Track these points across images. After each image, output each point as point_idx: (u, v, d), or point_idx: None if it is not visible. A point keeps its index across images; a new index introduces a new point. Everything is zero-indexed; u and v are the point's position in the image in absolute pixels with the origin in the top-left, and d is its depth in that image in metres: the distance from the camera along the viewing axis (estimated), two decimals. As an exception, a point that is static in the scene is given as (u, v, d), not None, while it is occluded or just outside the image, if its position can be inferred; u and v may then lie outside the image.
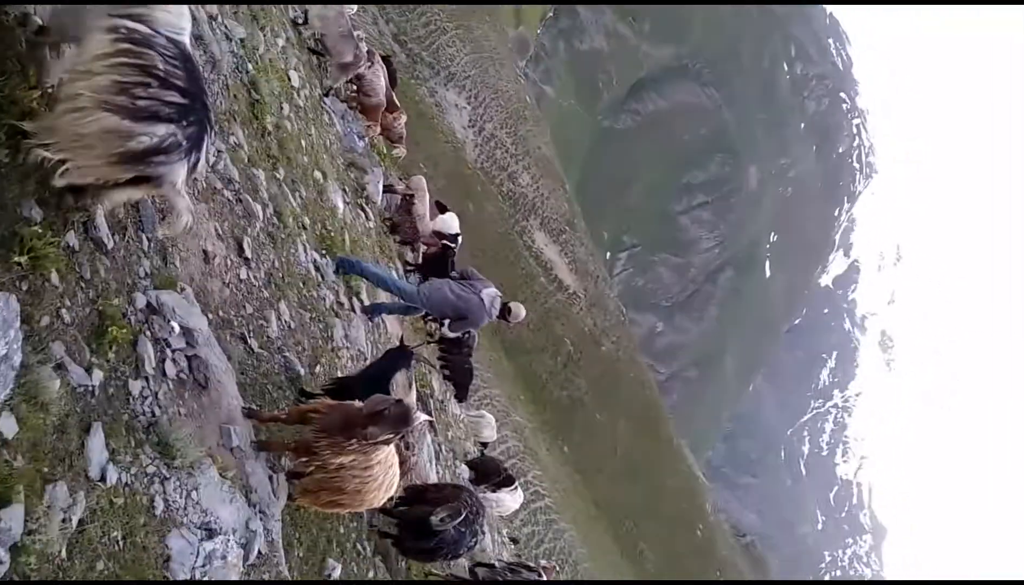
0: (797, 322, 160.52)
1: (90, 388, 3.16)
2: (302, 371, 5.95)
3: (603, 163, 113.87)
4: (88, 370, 3.16)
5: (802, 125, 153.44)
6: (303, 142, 8.50)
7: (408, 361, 6.17)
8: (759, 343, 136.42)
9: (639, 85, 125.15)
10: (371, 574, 6.10)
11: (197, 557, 3.49)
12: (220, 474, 3.93)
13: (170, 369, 3.87)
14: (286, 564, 4.71)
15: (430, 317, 13.13)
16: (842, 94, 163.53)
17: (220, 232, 5.33)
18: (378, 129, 13.00)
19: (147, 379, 3.65)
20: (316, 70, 11.02)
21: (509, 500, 12.09)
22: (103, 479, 3.08)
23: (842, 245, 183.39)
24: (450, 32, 56.88)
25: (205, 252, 4.98)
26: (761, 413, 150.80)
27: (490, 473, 11.89)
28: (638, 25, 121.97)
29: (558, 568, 17.93)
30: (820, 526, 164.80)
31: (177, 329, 3.93)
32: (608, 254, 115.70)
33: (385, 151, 13.87)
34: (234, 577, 3.72)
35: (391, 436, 4.30)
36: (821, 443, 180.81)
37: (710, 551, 62.00)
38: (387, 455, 4.55)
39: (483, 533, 6.58)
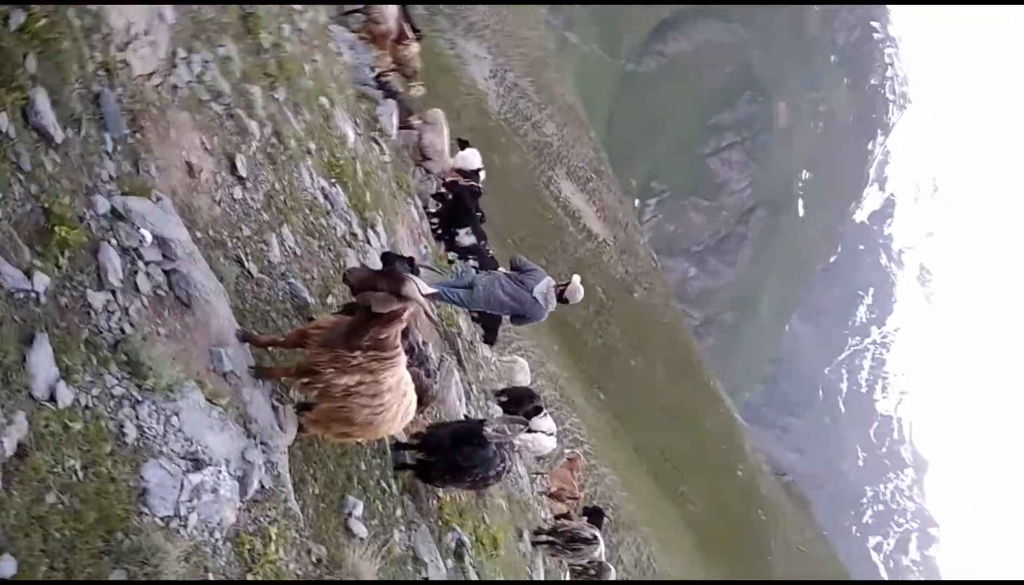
0: (833, 260, 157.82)
1: (32, 294, 2.67)
2: (311, 299, 5.44)
3: (629, 108, 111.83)
4: (28, 273, 2.66)
5: (832, 58, 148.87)
6: (306, 67, 7.89)
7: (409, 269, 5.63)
8: (794, 283, 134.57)
9: (662, 26, 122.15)
10: (398, 512, 5.66)
11: (181, 490, 3.02)
12: (209, 400, 3.45)
13: (143, 283, 3.37)
14: (296, 500, 4.26)
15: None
16: (873, 23, 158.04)
17: (208, 146, 4.80)
18: (389, 60, 12.31)
19: (113, 293, 3.16)
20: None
21: (544, 439, 11.65)
22: (52, 399, 2.61)
23: (877, 179, 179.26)
24: (468, -22, 55.51)
25: (189, 164, 4.46)
26: (799, 353, 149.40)
27: (523, 398, 11.35)
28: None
29: (580, 455, 17.67)
30: (861, 462, 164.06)
31: (149, 239, 3.43)
32: (637, 201, 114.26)
33: (400, 89, 13.19)
34: (229, 512, 3.26)
35: (395, 307, 3.71)
36: (859, 380, 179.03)
37: (751, 491, 61.82)
38: (399, 380, 4.02)
39: (511, 460, 6.11)
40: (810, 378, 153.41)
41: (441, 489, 6.76)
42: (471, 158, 14.09)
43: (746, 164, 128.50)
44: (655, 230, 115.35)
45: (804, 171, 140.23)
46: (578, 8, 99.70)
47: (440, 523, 6.64)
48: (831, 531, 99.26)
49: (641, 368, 56.51)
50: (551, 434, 11.75)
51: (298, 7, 8.51)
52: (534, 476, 13.64)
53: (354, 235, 7.25)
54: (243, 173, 5.17)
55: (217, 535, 3.21)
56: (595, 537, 10.86)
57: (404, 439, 6.37)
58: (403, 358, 4.03)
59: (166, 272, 3.59)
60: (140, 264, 3.41)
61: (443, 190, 12.04)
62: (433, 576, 5.69)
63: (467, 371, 10.03)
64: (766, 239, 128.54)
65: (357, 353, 3.74)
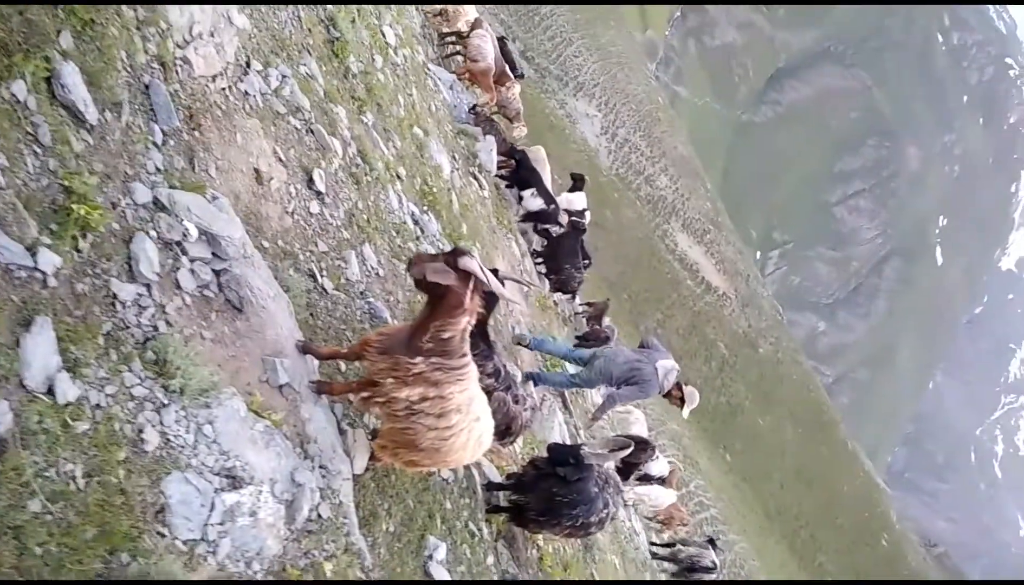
0: (978, 311, 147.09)
1: (37, 274, 2.35)
2: (392, 321, 5.04)
3: (745, 158, 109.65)
4: (31, 249, 2.34)
5: (965, 97, 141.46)
6: (400, 97, 7.72)
7: (495, 302, 5.12)
8: (936, 336, 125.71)
9: (778, 75, 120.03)
10: (489, 560, 5.06)
11: (212, 511, 2.58)
12: (255, 412, 3.04)
13: (187, 280, 3.03)
14: (364, 536, 3.76)
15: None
16: (1008, 60, 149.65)
17: (282, 156, 4.54)
18: (493, 100, 12.16)
19: (148, 287, 2.82)
20: (420, 39, 10.35)
21: (661, 491, 10.70)
22: (50, 393, 2.24)
23: (1023, 223, 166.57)
24: (576, 42, 56.29)
25: (257, 171, 4.18)
26: (945, 412, 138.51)
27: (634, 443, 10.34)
28: (772, 12, 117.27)
29: (678, 467, 16.45)
30: (1023, 531, 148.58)
31: (195, 233, 3.10)
32: (758, 253, 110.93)
33: (506, 125, 13.00)
34: (272, 540, 2.80)
35: (453, 282, 3.18)
36: (1017, 441, 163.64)
37: (898, 563, 56.79)
38: (469, 399, 3.48)
39: (616, 506, 5.39)
40: (960, 439, 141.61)
41: (541, 537, 6.12)
42: (575, 200, 13.70)
43: (876, 211, 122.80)
44: (779, 283, 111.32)
45: (941, 217, 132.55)
46: (687, 61, 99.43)
47: (540, 575, 5.98)
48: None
49: (769, 427, 53.66)
50: (663, 477, 10.76)
51: (391, 41, 8.43)
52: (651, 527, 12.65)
53: (447, 264, 6.87)
54: (321, 188, 4.88)
55: (256, 566, 2.74)
56: (715, 564, 11.31)
57: (497, 478, 5.81)
58: (474, 372, 3.51)
59: (216, 272, 3.25)
60: (184, 260, 3.08)
61: (508, 154, 11.31)
62: (530, 633, 5.04)
63: (573, 414, 9.38)
64: (902, 290, 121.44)
65: (418, 359, 3.25)
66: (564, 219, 12.15)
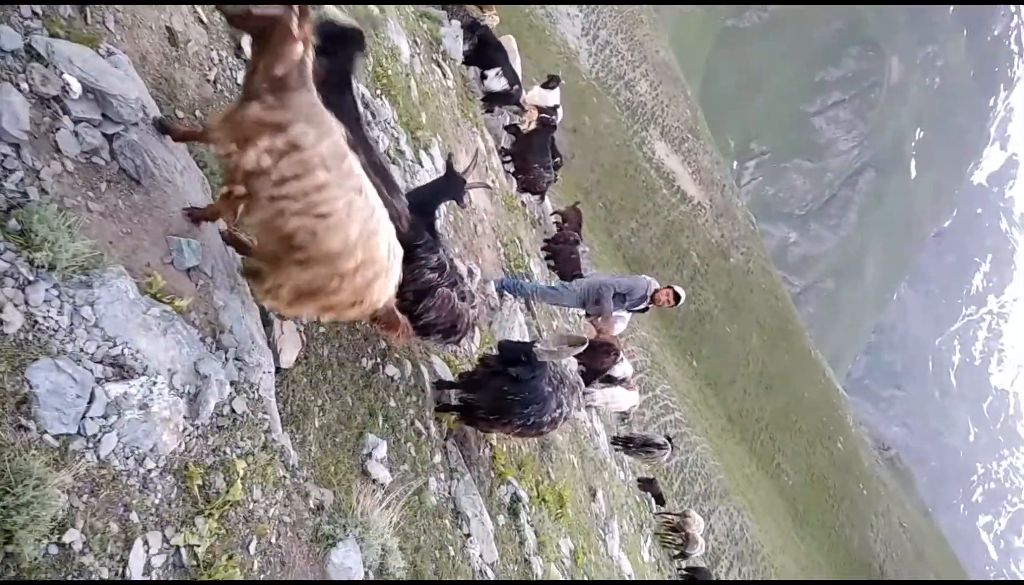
0: (947, 224, 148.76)
1: None
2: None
3: (727, 66, 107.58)
4: None
5: (950, 9, 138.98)
6: (352, -31, 7.09)
7: (460, 191, 4.73)
8: (904, 249, 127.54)
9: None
10: (437, 458, 4.85)
11: (91, 403, 2.27)
12: (154, 296, 2.69)
13: (69, 144, 2.63)
14: (292, 432, 3.49)
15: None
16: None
17: (203, 17, 4.04)
18: (459, -14, 11.37)
19: (17, 148, 2.42)
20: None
21: (622, 394, 10.61)
22: None
23: (998, 138, 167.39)
24: (557, -67, 53.75)
25: (170, 30, 3.69)
26: (907, 322, 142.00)
27: (599, 348, 10.09)
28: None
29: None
30: (972, 438, 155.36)
31: (77, 89, 2.67)
32: (735, 163, 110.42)
33: (478, 14, 12.25)
34: (168, 436, 2.50)
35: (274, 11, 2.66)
36: (974, 352, 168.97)
37: (852, 465, 59.11)
38: (335, 152, 2.89)
39: (571, 406, 5.18)
40: (919, 349, 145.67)
41: (494, 436, 5.94)
42: (549, 96, 13.10)
43: (854, 123, 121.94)
44: (754, 193, 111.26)
45: (918, 130, 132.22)
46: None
47: (492, 474, 5.82)
48: (937, 508, 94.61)
49: (736, 335, 54.50)
50: (626, 379, 10.63)
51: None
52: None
53: (400, 152, 6.43)
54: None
55: (151, 464, 2.45)
56: (667, 443, 12.99)
57: (448, 376, 5.56)
58: (334, 122, 2.92)
59: (108, 137, 2.83)
60: (65, 120, 2.66)
61: (469, 28, 10.69)
62: (476, 531, 4.88)
63: (536, 316, 9.13)
64: (874, 203, 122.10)
65: (252, 104, 2.75)
66: (524, 98, 11.61)
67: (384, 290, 3.24)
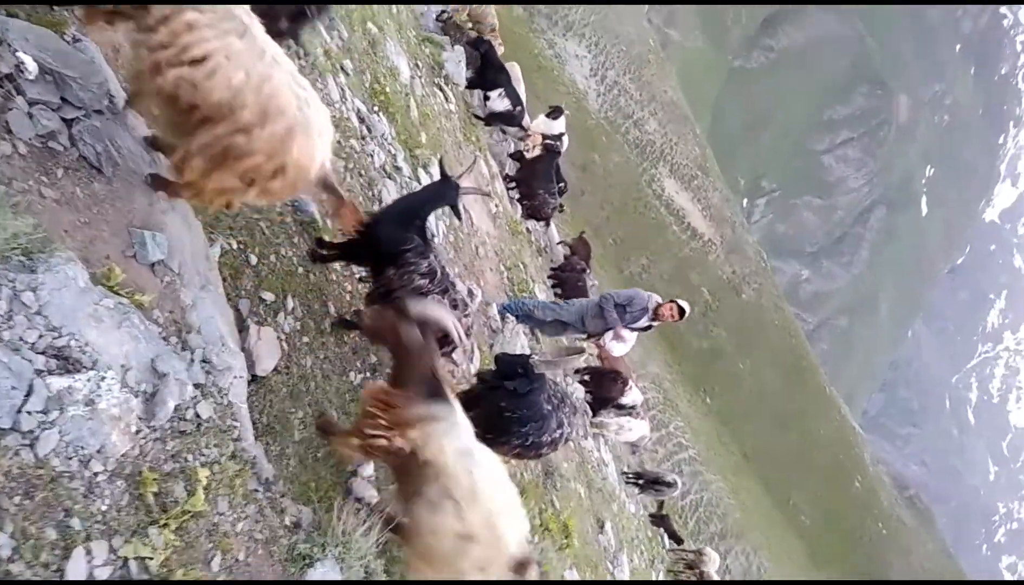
0: (960, 261, 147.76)
1: None
2: (319, 217, 4.48)
3: (735, 105, 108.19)
4: None
5: (957, 47, 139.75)
6: (352, -7, 7.03)
7: (454, 197, 4.54)
8: (917, 286, 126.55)
9: (771, 20, 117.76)
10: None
11: (28, 395, 2.07)
12: (110, 288, 2.50)
13: (21, 125, 2.47)
14: (268, 443, 3.28)
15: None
16: (1002, 9, 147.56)
17: (185, 18, 3.92)
18: (466, 15, 11.36)
19: (-42, 125, 2.26)
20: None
21: (634, 422, 10.28)
22: None
23: (1009, 175, 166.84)
24: (566, -21, 54.54)
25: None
26: (922, 360, 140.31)
27: (605, 375, 9.77)
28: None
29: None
30: (992, 476, 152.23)
31: (33, 69, 2.52)
32: (745, 201, 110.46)
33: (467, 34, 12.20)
34: (117, 437, 2.29)
35: None
36: (991, 389, 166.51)
37: (870, 503, 57.86)
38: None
39: (572, 428, 4.92)
40: (935, 387, 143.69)
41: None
42: (554, 125, 13.04)
43: (863, 161, 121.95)
44: (765, 230, 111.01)
45: (927, 167, 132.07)
46: (681, 5, 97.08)
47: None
48: (958, 549, 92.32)
49: (749, 372, 53.90)
50: (635, 406, 10.33)
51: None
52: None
53: (398, 168, 6.29)
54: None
55: (97, 466, 2.24)
56: (676, 481, 13.49)
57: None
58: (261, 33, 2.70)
59: (67, 122, 2.67)
60: (19, 101, 2.51)
61: (472, 45, 10.55)
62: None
63: (540, 341, 8.91)
64: (885, 240, 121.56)
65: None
66: (528, 123, 11.57)
67: (307, 150, 2.88)
